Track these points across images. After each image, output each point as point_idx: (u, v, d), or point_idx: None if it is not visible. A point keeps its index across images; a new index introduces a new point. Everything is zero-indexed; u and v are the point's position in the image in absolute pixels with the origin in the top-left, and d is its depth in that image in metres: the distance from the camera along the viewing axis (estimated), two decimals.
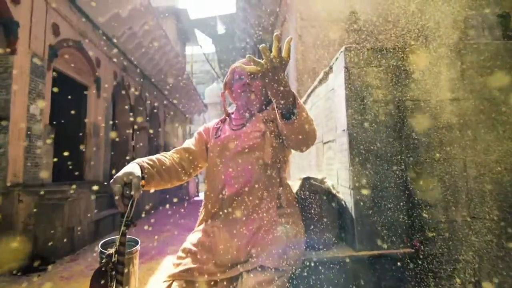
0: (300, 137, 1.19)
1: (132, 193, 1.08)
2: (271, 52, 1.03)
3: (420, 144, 1.62)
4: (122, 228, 1.04)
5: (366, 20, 4.33)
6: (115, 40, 6.85)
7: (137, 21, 6.92)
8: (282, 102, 1.12)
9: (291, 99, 1.12)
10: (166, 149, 11.33)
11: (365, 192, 1.56)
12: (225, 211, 1.34)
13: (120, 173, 1.12)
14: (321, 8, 4.55)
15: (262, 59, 1.05)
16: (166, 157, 1.39)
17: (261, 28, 7.23)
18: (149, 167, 1.26)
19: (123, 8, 6.28)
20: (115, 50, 7.02)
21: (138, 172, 1.15)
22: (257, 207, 1.31)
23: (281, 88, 1.08)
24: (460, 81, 1.66)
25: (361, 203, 1.56)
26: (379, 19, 4.23)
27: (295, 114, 1.12)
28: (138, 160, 1.26)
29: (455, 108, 1.64)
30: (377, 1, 4.26)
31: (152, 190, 1.37)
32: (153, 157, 1.34)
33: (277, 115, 1.17)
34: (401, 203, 1.57)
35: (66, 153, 5.17)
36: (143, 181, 1.21)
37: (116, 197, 1.07)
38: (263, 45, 1.02)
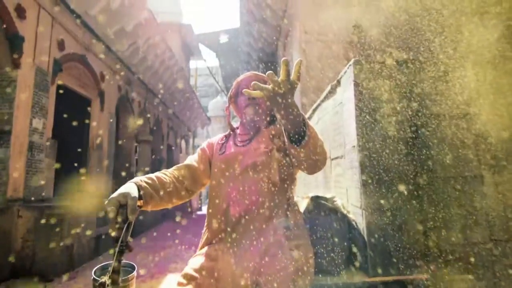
0: (310, 161, 1.12)
1: (128, 216, 1.00)
2: (278, 76, 0.98)
3: (435, 161, 1.52)
4: (116, 255, 0.96)
5: (370, 34, 4.31)
6: (119, 54, 6.90)
7: (141, 35, 6.97)
8: (291, 126, 1.06)
9: (300, 122, 1.06)
10: (169, 162, 11.28)
11: (377, 212, 1.47)
12: (230, 233, 1.25)
13: (115, 194, 1.04)
14: (325, 21, 4.55)
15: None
16: (166, 175, 1.31)
17: (265, 42, 7.25)
18: (147, 186, 1.18)
19: (128, 23, 6.33)
20: (120, 64, 7.05)
21: (134, 192, 1.07)
22: (263, 228, 1.22)
23: (290, 112, 1.02)
24: (477, 96, 1.58)
25: (374, 225, 1.46)
26: (384, 32, 4.20)
27: (305, 137, 1.05)
28: (136, 179, 1.18)
29: (470, 124, 1.56)
30: (382, 14, 4.25)
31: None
32: (152, 175, 1.26)
33: (286, 138, 1.10)
34: (417, 225, 1.47)
35: (68, 167, 5.11)
36: (140, 202, 1.13)
37: (110, 220, 0.99)
38: (270, 72, 0.97)
